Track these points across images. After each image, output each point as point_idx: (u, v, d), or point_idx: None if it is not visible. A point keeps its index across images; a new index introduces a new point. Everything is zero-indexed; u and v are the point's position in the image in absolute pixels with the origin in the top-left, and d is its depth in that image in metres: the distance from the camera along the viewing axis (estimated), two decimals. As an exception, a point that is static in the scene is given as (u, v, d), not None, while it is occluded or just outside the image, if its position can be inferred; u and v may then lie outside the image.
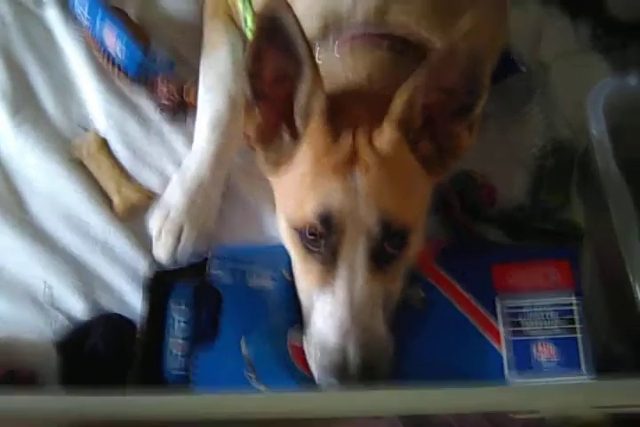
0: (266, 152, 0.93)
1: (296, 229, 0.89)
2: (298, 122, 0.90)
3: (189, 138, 1.19)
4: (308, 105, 0.88)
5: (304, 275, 0.91)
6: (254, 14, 1.08)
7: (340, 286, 0.86)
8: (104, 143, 1.21)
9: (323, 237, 0.87)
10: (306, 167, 0.88)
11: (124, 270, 1.10)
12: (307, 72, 0.86)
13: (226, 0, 1.22)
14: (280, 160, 0.92)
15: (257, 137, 0.93)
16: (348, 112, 0.90)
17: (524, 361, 0.91)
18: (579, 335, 0.91)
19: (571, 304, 0.93)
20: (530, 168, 1.18)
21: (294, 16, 0.82)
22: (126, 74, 1.25)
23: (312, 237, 0.87)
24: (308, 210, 0.86)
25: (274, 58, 0.86)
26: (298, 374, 0.90)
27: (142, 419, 0.73)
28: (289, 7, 0.81)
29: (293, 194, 0.89)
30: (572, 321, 0.92)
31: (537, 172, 1.18)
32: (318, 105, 0.87)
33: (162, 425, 0.76)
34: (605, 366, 0.92)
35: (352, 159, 0.86)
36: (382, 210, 0.85)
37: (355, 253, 0.86)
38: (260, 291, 0.95)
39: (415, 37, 0.97)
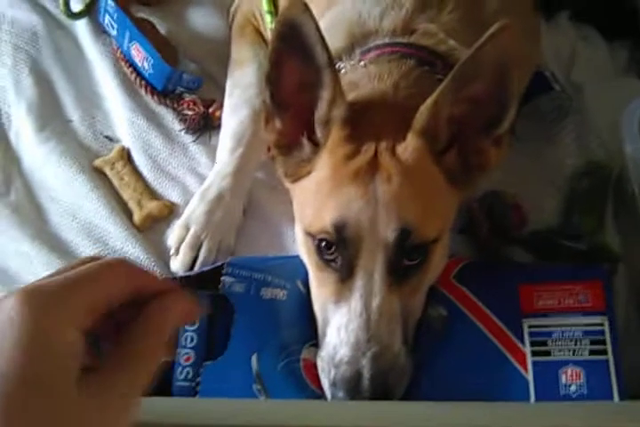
0: (286, 161, 0.91)
1: (312, 239, 0.86)
2: (318, 130, 0.88)
3: (213, 151, 1.18)
4: (329, 113, 0.86)
5: (319, 287, 0.88)
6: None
7: (357, 298, 0.82)
8: (128, 155, 1.21)
9: (339, 246, 0.84)
10: (325, 175, 0.85)
11: (141, 283, 1.08)
12: (326, 79, 0.84)
13: (254, 15, 1.22)
14: (300, 169, 0.89)
15: (277, 146, 0.91)
16: (372, 122, 0.87)
17: (551, 386, 0.85)
18: (610, 358, 0.85)
19: (601, 325, 0.87)
20: (562, 190, 1.14)
21: (314, 21, 0.80)
22: (153, 87, 1.24)
23: (328, 247, 0.84)
24: (325, 218, 0.83)
25: (293, 64, 0.84)
26: (309, 391, 0.86)
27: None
28: (309, 12, 0.79)
29: (311, 202, 0.87)
30: (602, 344, 0.86)
31: (569, 194, 1.13)
32: (339, 113, 0.85)
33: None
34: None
35: (373, 168, 0.83)
36: (402, 220, 0.82)
37: (373, 265, 0.83)
38: (273, 302, 0.92)
39: (443, 47, 0.95)
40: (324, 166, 0.86)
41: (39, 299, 0.44)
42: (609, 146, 1.16)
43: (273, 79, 0.86)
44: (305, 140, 0.89)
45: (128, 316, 0.48)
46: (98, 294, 0.47)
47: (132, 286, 0.50)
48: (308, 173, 0.88)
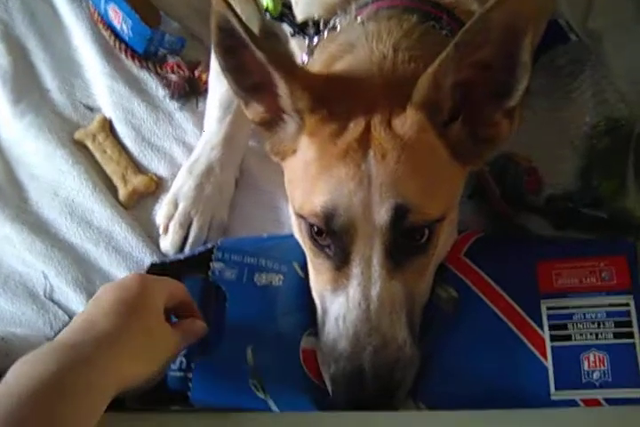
0: (271, 137, 0.83)
1: (304, 221, 0.78)
2: (294, 115, 0.79)
3: (201, 118, 1.10)
4: (294, 104, 0.77)
5: (316, 273, 0.81)
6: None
7: (354, 287, 0.75)
8: (110, 127, 1.13)
9: (331, 233, 0.76)
10: (311, 155, 0.77)
11: (128, 262, 1.02)
12: (274, 75, 0.76)
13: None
14: (285, 147, 0.81)
15: (261, 125, 0.83)
16: (362, 95, 0.78)
17: (573, 373, 0.77)
18: (637, 342, 0.77)
19: (627, 304, 0.79)
20: (579, 150, 1.04)
21: (241, 22, 0.72)
22: (134, 51, 1.16)
23: (320, 233, 0.77)
24: (315, 202, 0.75)
25: (243, 51, 0.76)
26: (309, 383, 0.79)
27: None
28: (234, 13, 0.72)
29: (300, 183, 0.79)
30: (628, 326, 0.78)
31: (587, 154, 1.04)
32: (303, 104, 0.77)
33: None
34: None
35: (364, 144, 0.75)
36: (397, 198, 0.73)
37: (369, 251, 0.75)
38: (268, 289, 0.85)
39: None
40: (309, 146, 0.78)
41: (147, 280, 0.79)
42: (630, 101, 1.06)
43: (231, 67, 0.79)
44: (288, 117, 0.81)
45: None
46: (174, 290, 0.81)
47: (182, 298, 0.83)
48: (294, 151, 0.80)
